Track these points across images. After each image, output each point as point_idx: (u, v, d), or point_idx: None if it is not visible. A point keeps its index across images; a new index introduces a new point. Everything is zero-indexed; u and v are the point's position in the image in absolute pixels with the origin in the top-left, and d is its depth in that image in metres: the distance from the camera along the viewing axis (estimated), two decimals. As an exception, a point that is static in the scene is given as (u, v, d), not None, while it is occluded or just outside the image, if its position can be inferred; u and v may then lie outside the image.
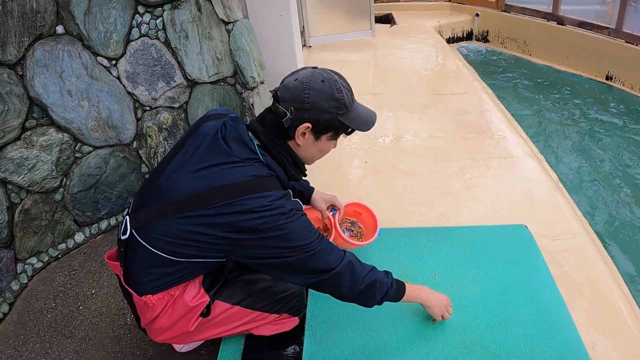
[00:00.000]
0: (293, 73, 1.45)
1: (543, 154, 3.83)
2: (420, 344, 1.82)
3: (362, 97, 4.08)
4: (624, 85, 5.60)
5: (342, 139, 1.56)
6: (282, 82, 1.45)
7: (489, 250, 2.27)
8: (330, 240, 1.92)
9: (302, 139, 1.44)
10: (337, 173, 3.10)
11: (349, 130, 1.50)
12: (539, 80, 6.00)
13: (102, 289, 2.35)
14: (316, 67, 1.46)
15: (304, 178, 1.69)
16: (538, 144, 4.25)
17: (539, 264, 2.21)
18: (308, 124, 1.40)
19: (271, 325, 1.78)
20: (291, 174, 1.52)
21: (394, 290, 1.60)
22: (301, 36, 4.96)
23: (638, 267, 3.25)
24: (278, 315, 1.75)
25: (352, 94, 1.47)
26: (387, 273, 1.62)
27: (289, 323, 1.81)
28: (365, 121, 1.50)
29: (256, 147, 1.41)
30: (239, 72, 2.74)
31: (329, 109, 1.39)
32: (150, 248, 1.39)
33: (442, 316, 1.81)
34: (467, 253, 2.25)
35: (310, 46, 5.48)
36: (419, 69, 5.04)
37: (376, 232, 1.99)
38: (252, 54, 2.71)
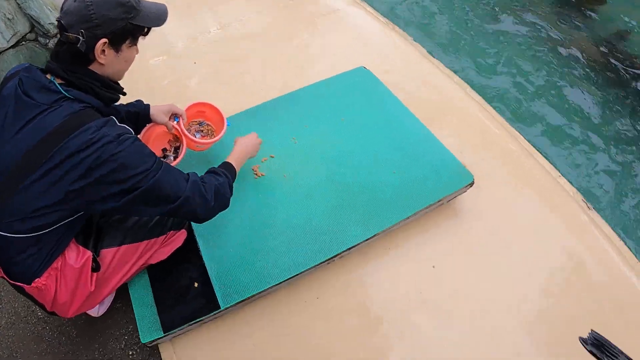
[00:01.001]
0: None
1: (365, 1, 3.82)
2: (302, 207, 1.91)
3: (168, 1, 3.79)
4: None
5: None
6: (62, 9, 1.34)
7: (337, 99, 2.34)
8: (184, 147, 1.89)
9: (104, 57, 1.37)
10: (170, 83, 2.92)
11: (145, 30, 1.46)
12: None
13: (1, 300, 2.21)
14: None
15: (130, 99, 1.62)
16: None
17: (387, 98, 2.33)
18: (104, 39, 1.33)
19: (163, 248, 1.77)
20: (105, 97, 1.44)
21: (230, 178, 1.64)
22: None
23: (483, 72, 3.51)
24: (164, 237, 1.74)
25: None
26: (214, 172, 1.63)
27: (178, 238, 1.81)
28: (158, 16, 1.46)
29: (58, 86, 1.32)
30: (36, 25, 2.49)
31: (118, 16, 1.33)
32: (10, 235, 1.31)
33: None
34: (316, 109, 2.31)
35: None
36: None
37: (224, 123, 1.98)
38: (43, 0, 2.45)
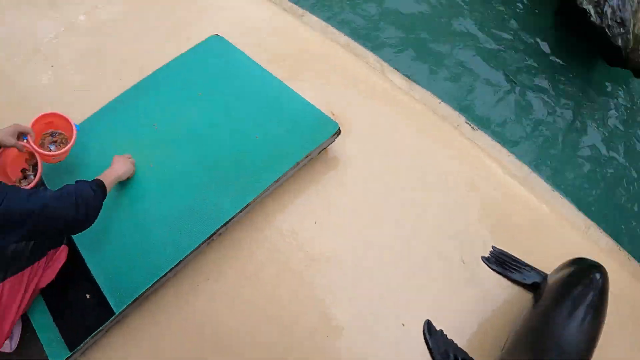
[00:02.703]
0: None
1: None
2: (173, 193, 1.91)
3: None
4: None
5: None
6: None
7: (191, 74, 2.27)
8: (39, 163, 1.87)
9: None
10: (34, 87, 2.72)
11: None
12: None
13: None
14: None
15: None
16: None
17: (243, 63, 2.28)
18: None
19: (48, 269, 1.75)
20: None
21: (94, 185, 1.63)
22: None
23: (344, 16, 3.46)
24: (45, 258, 1.73)
25: None
26: (76, 182, 1.62)
27: (60, 256, 1.79)
28: None
29: None
30: None
31: None
32: None
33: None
34: (172, 89, 2.24)
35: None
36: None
37: (73, 129, 1.95)
38: None
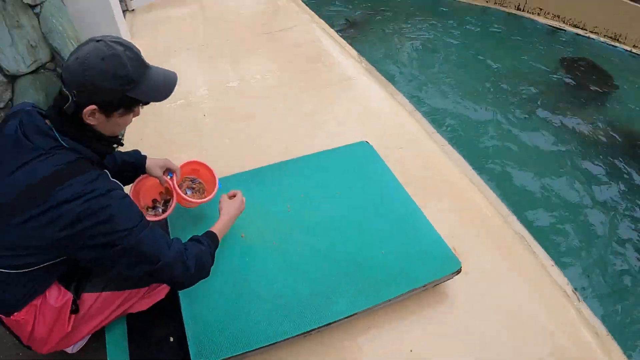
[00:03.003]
0: (76, 49, 1.33)
1: (380, 71, 3.97)
2: (287, 276, 1.92)
3: (192, 51, 4.00)
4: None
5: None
6: (66, 61, 1.34)
7: (335, 172, 2.38)
8: (174, 202, 1.93)
9: (93, 119, 1.35)
10: (180, 131, 3.00)
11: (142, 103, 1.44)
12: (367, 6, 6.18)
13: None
14: (101, 40, 1.33)
15: (126, 148, 1.65)
16: (373, 62, 4.33)
17: (385, 175, 2.36)
18: (94, 106, 1.31)
19: (145, 299, 1.77)
20: (100, 149, 1.45)
21: (213, 247, 1.65)
22: (121, 0, 4.48)
23: (480, 155, 3.58)
24: (147, 287, 1.75)
25: (141, 64, 1.37)
26: (197, 240, 1.64)
27: (160, 292, 1.81)
28: (160, 90, 1.42)
29: (56, 133, 1.34)
30: (57, 55, 2.56)
31: (113, 87, 1.31)
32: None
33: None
34: (314, 179, 2.34)
35: (133, 9, 4.99)
36: (247, 12, 4.93)
37: (216, 185, 2.02)
38: (67, 33, 2.52)
